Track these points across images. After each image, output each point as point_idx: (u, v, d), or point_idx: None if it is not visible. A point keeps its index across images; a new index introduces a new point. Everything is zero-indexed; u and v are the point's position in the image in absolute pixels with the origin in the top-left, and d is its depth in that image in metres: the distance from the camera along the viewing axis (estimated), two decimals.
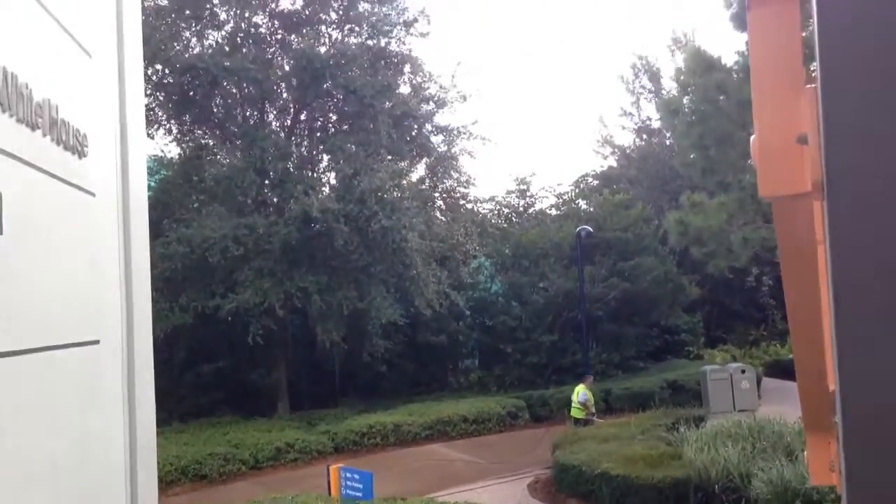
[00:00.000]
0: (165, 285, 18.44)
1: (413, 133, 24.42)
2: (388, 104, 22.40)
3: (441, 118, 25.94)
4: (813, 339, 2.30)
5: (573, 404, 16.56)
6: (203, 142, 23.39)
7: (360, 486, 10.62)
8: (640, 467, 11.10)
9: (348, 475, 10.94)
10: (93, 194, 1.61)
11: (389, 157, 22.73)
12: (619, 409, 19.34)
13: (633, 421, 14.62)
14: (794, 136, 1.40)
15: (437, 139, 25.15)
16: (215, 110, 22.78)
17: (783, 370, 23.70)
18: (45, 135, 1.37)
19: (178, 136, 23.09)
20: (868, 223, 1.12)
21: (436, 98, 24.91)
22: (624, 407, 19.45)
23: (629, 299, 24.58)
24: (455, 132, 25.11)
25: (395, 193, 21.07)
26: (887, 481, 1.68)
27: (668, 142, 35.60)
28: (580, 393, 16.37)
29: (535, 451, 15.10)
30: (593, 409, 16.87)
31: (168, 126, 22.70)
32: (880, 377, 1.32)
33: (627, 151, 39.05)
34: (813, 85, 1.29)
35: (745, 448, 11.58)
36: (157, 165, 22.23)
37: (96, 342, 1.60)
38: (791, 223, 1.74)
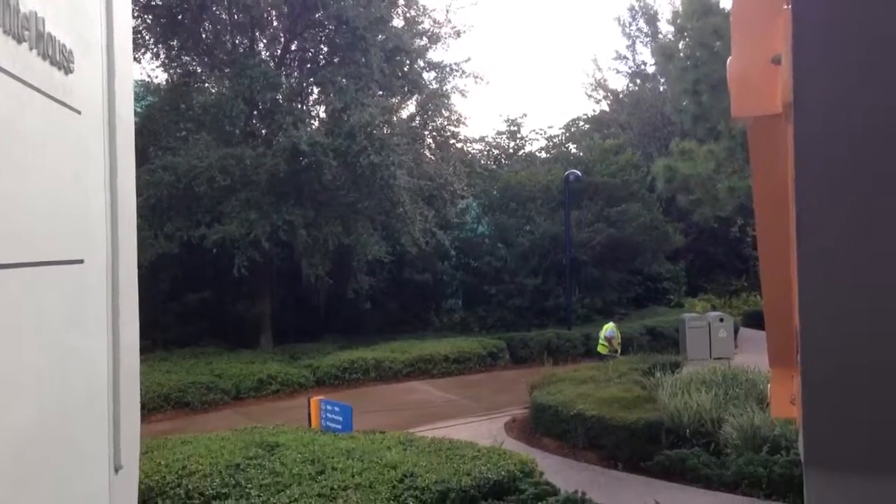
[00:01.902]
0: (151, 213, 18.31)
1: (405, 68, 24.04)
2: (380, 37, 21.98)
3: (434, 54, 25.60)
4: (780, 270, 2.33)
5: (600, 340, 17.01)
6: (191, 69, 22.92)
7: (340, 418, 10.84)
8: (614, 409, 11.34)
9: (328, 407, 11.15)
10: (78, 112, 1.59)
11: (380, 93, 22.43)
12: (599, 354, 19.60)
13: (610, 365, 14.87)
14: (770, 57, 1.39)
15: (429, 76, 24.84)
16: (204, 36, 22.26)
17: (761, 321, 24.04)
18: (31, 48, 1.34)
19: (166, 61, 22.58)
20: (834, 145, 1.12)
21: (429, 33, 24.51)
22: None
23: (614, 245, 24.72)
24: (448, 69, 24.79)
25: (384, 129, 20.86)
26: (842, 410, 1.72)
27: (661, 88, 35.30)
28: (608, 330, 16.79)
29: (514, 392, 15.36)
30: (617, 347, 17.31)
31: (155, 50, 22.18)
32: (840, 299, 1.34)
33: (620, 96, 38.74)
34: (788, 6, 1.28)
35: (717, 394, 11.83)
36: (144, 91, 21.80)
37: (80, 261, 1.60)
38: (763, 146, 1.74)
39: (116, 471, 1.87)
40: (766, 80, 1.37)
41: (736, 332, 20.39)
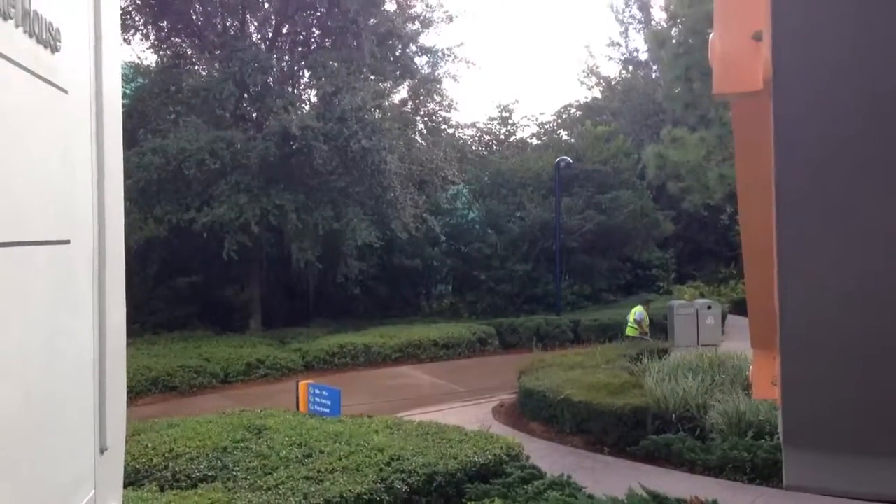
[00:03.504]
0: (140, 196, 18.23)
1: (397, 53, 23.97)
2: (372, 21, 21.88)
3: (426, 39, 25.48)
4: (763, 253, 2.35)
5: (629, 323, 17.07)
6: (181, 51, 22.76)
7: (329, 402, 10.87)
8: (601, 395, 11.42)
9: (317, 391, 11.18)
10: (65, 91, 1.59)
11: (372, 77, 22.37)
12: (587, 340, 19.73)
13: (598, 351, 14.95)
14: (751, 33, 1.39)
15: (421, 60, 24.77)
16: (194, 17, 22.11)
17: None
18: (17, 25, 1.34)
19: (156, 43, 22.43)
20: (814, 125, 1.13)
21: (422, 17, 24.40)
22: (591, 338, 19.84)
23: (604, 232, 24.79)
24: (440, 54, 24.72)
25: (376, 114, 20.81)
26: (819, 392, 1.75)
27: (654, 75, 35.28)
28: (637, 312, 16.86)
29: (502, 377, 15.44)
30: (646, 329, 17.43)
31: (145, 32, 22.02)
32: (820, 283, 1.36)
33: (612, 83, 38.70)
34: None
35: (704, 380, 11.93)
36: (134, 73, 21.65)
37: (67, 242, 1.60)
38: (745, 125, 1.74)
39: (102, 452, 1.88)
40: (747, 56, 1.36)
41: (723, 319, 20.51)
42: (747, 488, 8.86)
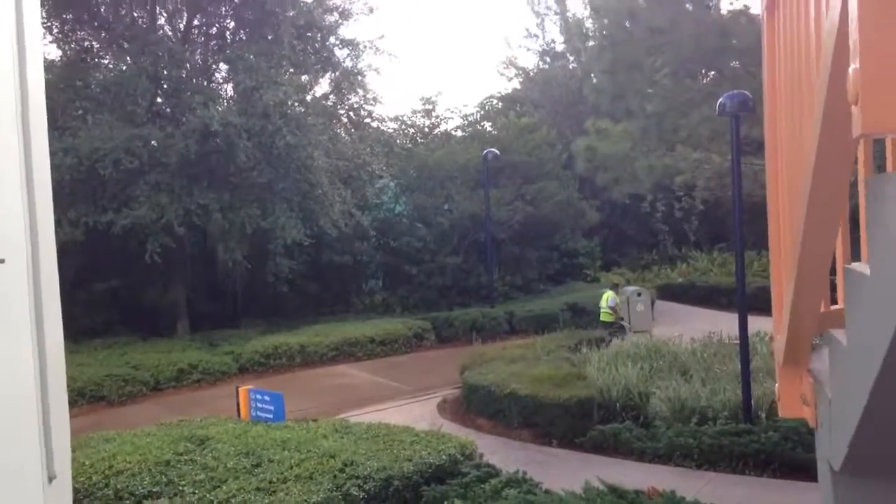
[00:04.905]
0: (53, 199, 17.23)
1: (317, 45, 23.45)
2: (290, 13, 21.32)
3: (346, 31, 25.05)
4: (820, 275, 2.32)
5: (602, 309, 16.95)
6: (87, 44, 21.65)
7: (272, 407, 10.55)
8: (546, 387, 11.46)
9: (258, 397, 10.83)
10: None
11: (292, 70, 21.82)
12: (523, 331, 19.84)
13: (538, 342, 15.03)
14: None
15: (342, 53, 24.30)
16: (101, 10, 21.06)
17: (673, 293, 24.99)
18: None
19: (59, 36, 21.24)
20: None
21: (340, 9, 23.94)
22: (527, 328, 19.97)
23: (532, 223, 25.00)
24: (361, 46, 24.32)
25: (299, 109, 20.33)
26: (873, 416, 1.67)
27: (571, 66, 35.78)
28: (610, 299, 16.76)
29: (442, 372, 15.36)
30: (622, 314, 17.41)
31: (48, 24, 20.78)
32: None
33: (531, 74, 39.06)
34: None
35: (643, 368, 12.13)
36: None
37: (1, 261, 1.47)
38: (845, 154, 1.67)
39: (50, 481, 1.73)
40: None
41: (652, 304, 21.02)
42: (697, 474, 9.03)
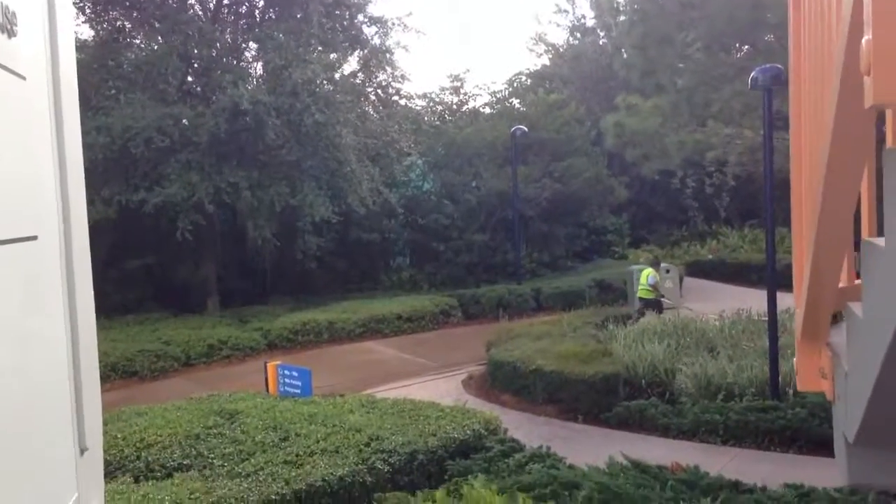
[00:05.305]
0: (86, 178, 17.50)
1: (345, 23, 23.41)
2: None
3: (374, 8, 24.94)
4: (838, 246, 2.30)
5: (641, 286, 16.85)
6: (119, 24, 21.87)
7: (299, 383, 10.71)
8: (572, 364, 11.47)
9: (286, 372, 11.00)
10: (23, 78, 1.48)
11: (321, 49, 21.82)
12: (550, 308, 19.83)
13: (564, 319, 15.02)
14: None
15: (370, 31, 24.23)
16: None
17: (702, 270, 24.77)
18: None
19: (92, 16, 21.47)
20: None
21: None
22: (554, 305, 19.96)
23: (560, 200, 24.88)
24: (389, 24, 24.22)
25: (327, 87, 20.36)
26: (889, 390, 1.67)
27: (601, 41, 35.34)
28: (649, 276, 16.65)
29: (468, 349, 15.43)
30: (662, 292, 17.34)
31: (81, 5, 21.03)
32: None
33: (560, 50, 38.66)
34: None
35: (670, 345, 12.09)
36: None
37: (34, 238, 1.52)
38: (863, 127, 1.66)
39: (82, 453, 1.82)
40: None
41: (681, 281, 20.85)
42: (722, 450, 9.01)
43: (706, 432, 9.42)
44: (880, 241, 1.83)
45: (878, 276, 1.80)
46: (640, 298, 16.82)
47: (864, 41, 1.27)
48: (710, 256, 26.09)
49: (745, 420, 9.22)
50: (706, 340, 12.44)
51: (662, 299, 17.12)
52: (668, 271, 19.49)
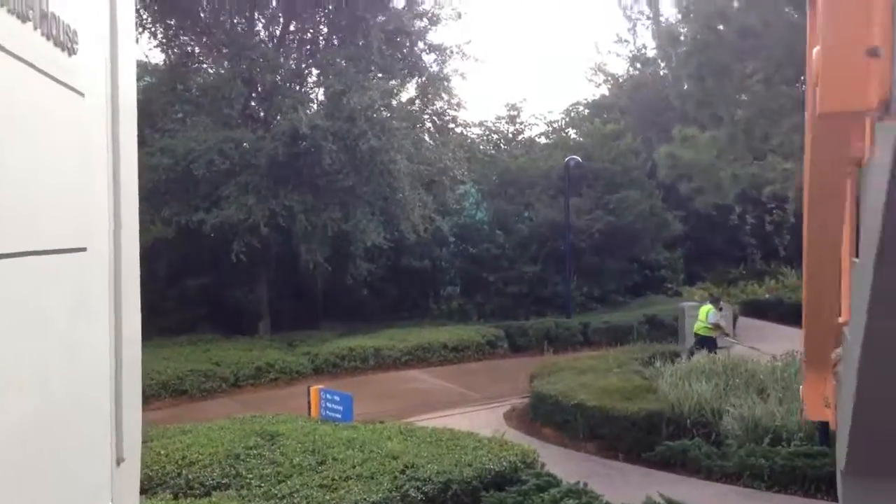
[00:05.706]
0: (148, 197, 18.10)
1: (405, 50, 23.77)
2: (380, 18, 21.74)
3: (434, 36, 25.25)
4: (828, 269, 2.24)
5: (700, 322, 16.35)
6: (189, 49, 22.68)
7: (341, 407, 10.76)
8: (615, 399, 11.27)
9: (329, 396, 11.07)
10: (82, 94, 1.54)
11: (380, 75, 22.19)
12: (598, 343, 19.53)
13: (610, 354, 14.79)
14: (864, 49, 1.28)
15: (429, 58, 24.53)
16: (202, 16, 22.01)
17: (758, 309, 24.09)
18: (35, 28, 1.28)
19: (164, 41, 22.32)
20: None
21: (429, 14, 24.18)
22: (602, 340, 19.65)
23: (613, 232, 24.62)
24: (448, 51, 24.50)
25: (384, 113, 20.65)
26: (885, 417, 1.62)
27: (662, 72, 35.06)
28: (710, 314, 16.16)
29: (512, 381, 15.29)
30: (727, 330, 16.74)
31: (153, 30, 21.91)
32: None
33: (620, 80, 38.49)
34: None
35: (717, 384, 11.76)
36: (141, 71, 21.56)
37: (83, 249, 1.57)
38: (830, 141, 1.64)
39: (118, 463, 1.86)
40: (859, 73, 1.24)
41: (734, 320, 20.33)
42: (766, 496, 8.72)
43: (751, 476, 9.12)
44: (856, 259, 1.81)
45: (856, 296, 1.77)
46: (696, 334, 16.34)
47: (814, 52, 1.29)
48: (768, 296, 25.38)
49: (791, 465, 8.90)
50: (756, 381, 12.06)
51: (727, 337, 16.50)
52: (720, 309, 19.02)
